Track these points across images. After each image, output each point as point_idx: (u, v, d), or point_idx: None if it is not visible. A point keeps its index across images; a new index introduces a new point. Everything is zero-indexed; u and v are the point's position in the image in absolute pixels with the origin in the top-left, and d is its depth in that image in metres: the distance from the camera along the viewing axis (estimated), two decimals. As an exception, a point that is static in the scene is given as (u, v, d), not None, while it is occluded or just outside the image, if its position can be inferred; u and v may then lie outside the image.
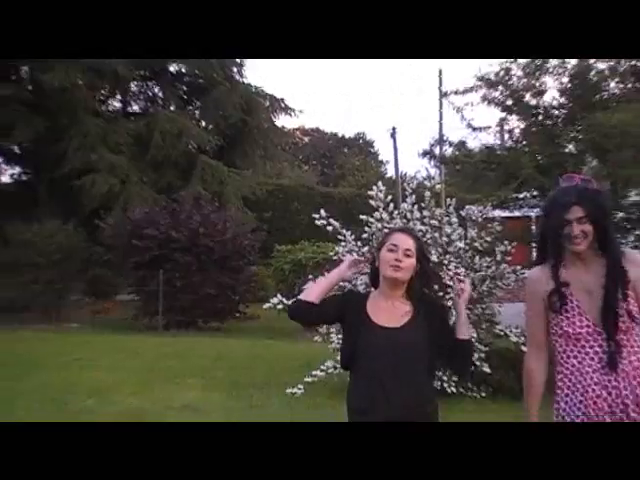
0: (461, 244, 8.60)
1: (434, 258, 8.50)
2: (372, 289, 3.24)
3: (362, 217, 8.71)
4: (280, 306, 8.75)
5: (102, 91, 24.26)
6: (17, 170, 24.95)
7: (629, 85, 8.72)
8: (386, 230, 7.61)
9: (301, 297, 3.10)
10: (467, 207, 8.75)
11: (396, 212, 8.71)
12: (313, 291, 3.12)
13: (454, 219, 8.70)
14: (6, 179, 25.06)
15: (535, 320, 2.99)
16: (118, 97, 25.74)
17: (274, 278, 18.71)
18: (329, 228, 8.73)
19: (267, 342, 14.45)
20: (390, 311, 3.03)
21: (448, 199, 8.92)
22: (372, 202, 8.70)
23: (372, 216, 8.66)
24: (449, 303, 7.96)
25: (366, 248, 8.22)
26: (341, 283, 7.23)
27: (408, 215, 8.69)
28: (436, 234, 8.60)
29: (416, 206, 8.68)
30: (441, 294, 7.82)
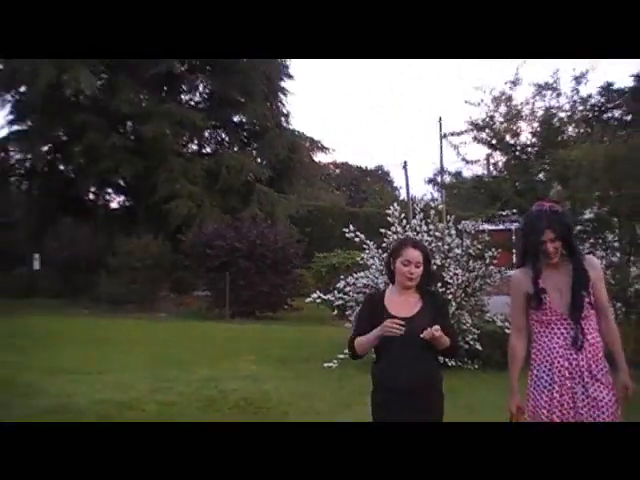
0: (459, 251, 8.57)
1: (437, 262, 8.49)
2: (390, 284, 3.18)
3: (382, 230, 8.71)
4: (318, 300, 8.76)
5: (183, 137, 24.50)
6: (122, 198, 25.48)
7: (582, 130, 8.95)
8: (400, 238, 7.58)
9: (357, 350, 3.02)
10: (463, 222, 8.80)
11: (408, 226, 8.69)
12: (362, 347, 3.02)
13: (453, 231, 8.68)
14: (115, 205, 25.69)
15: (517, 310, 3.02)
16: (195, 141, 25.98)
17: (314, 278, 18.53)
18: (356, 239, 8.81)
19: (309, 327, 14.33)
20: (404, 303, 2.96)
21: (448, 216, 9.01)
22: (389, 219, 8.71)
23: (389, 230, 8.65)
24: (449, 297, 8.09)
25: (384, 255, 8.35)
26: (367, 282, 7.96)
27: (417, 228, 8.67)
28: (439, 243, 8.56)
29: (423, 222, 8.64)
30: (443, 289, 7.96)
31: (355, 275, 8.76)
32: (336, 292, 8.72)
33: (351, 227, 8.55)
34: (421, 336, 2.75)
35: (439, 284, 8.01)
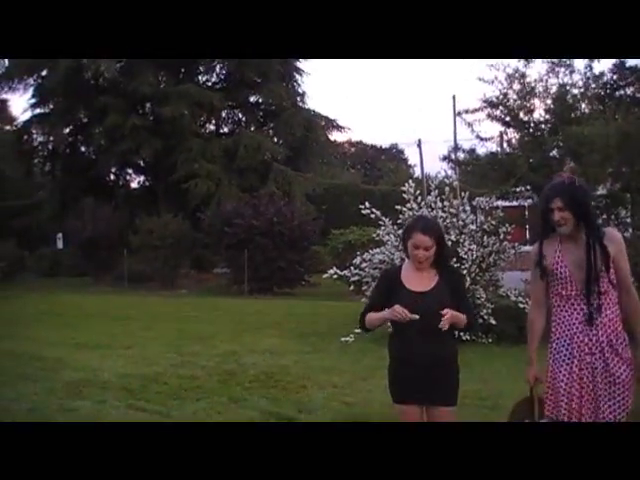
0: (473, 227, 8.50)
1: (452, 238, 8.43)
2: (406, 260, 3.17)
3: (397, 207, 8.68)
4: (335, 276, 8.81)
5: (201, 118, 24.48)
6: (142, 178, 25.56)
7: (595, 107, 8.84)
8: (415, 215, 7.53)
9: (366, 325, 3.03)
10: (477, 198, 8.66)
11: (423, 203, 8.63)
12: (371, 324, 3.02)
13: (467, 208, 8.62)
14: (135, 185, 25.79)
15: (536, 282, 2.96)
16: (213, 122, 25.97)
17: (330, 255, 18.54)
18: (372, 216, 8.77)
19: (326, 303, 14.35)
20: (420, 278, 2.95)
21: (462, 193, 8.90)
22: (404, 196, 8.68)
23: (405, 206, 8.61)
24: (464, 272, 8.05)
25: (400, 231, 8.15)
26: (383, 258, 7.86)
27: (432, 205, 8.60)
28: (454, 219, 8.51)
29: (438, 198, 8.58)
30: (458, 265, 7.92)
31: (371, 251, 8.74)
32: (352, 268, 8.71)
33: (367, 204, 8.52)
34: (439, 326, 2.73)
35: (454, 259, 7.96)
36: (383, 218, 8.72)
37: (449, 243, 8.10)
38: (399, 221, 8.65)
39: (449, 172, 10.71)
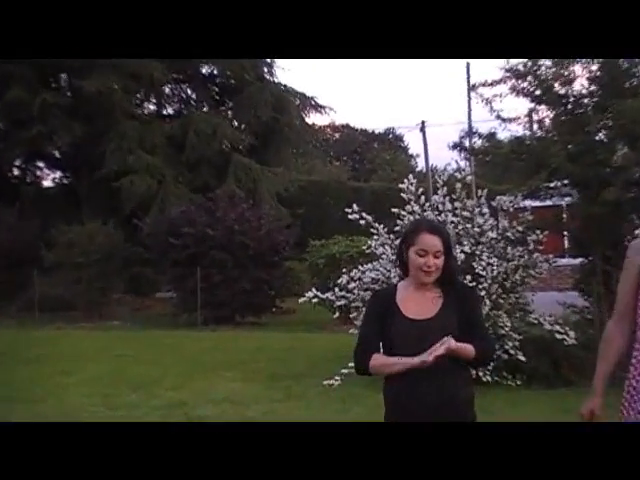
0: (493, 234, 8.52)
1: (466, 249, 8.51)
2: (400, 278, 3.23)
3: (394, 210, 8.69)
4: (315, 300, 8.76)
5: (137, 95, 24.36)
6: (58, 174, 25.26)
7: None
8: (416, 219, 7.52)
9: (372, 369, 3.00)
10: (498, 197, 8.68)
11: (427, 204, 8.67)
12: (383, 370, 3.00)
13: (485, 209, 8.64)
14: (48, 183, 25.44)
15: (623, 285, 2.92)
16: (153, 100, 25.84)
17: (309, 273, 18.53)
18: (362, 222, 8.73)
19: (304, 335, 14.42)
20: (421, 301, 2.97)
21: (479, 190, 8.85)
22: (404, 195, 8.71)
23: (404, 209, 8.63)
24: (482, 293, 8.00)
25: (397, 241, 8.42)
26: (376, 276, 8.07)
27: (440, 207, 8.65)
28: (468, 225, 8.53)
29: (447, 198, 8.62)
30: (474, 284, 7.85)
31: (361, 268, 8.79)
32: (337, 290, 8.78)
33: (355, 207, 8.60)
34: (429, 357, 2.72)
35: (468, 277, 7.95)
36: (376, 225, 8.77)
37: (462, 256, 8.10)
38: (396, 228, 8.70)
39: (461, 164, 10.79)
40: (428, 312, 2.94)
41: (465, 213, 8.56)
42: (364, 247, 9.33)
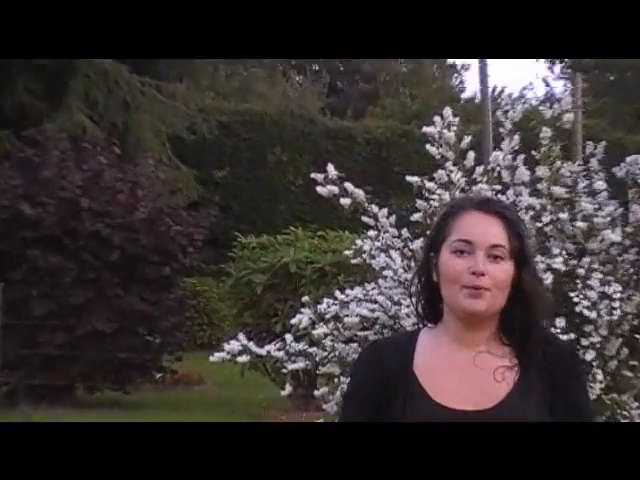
0: (615, 236, 6.24)
1: (557, 264, 6.13)
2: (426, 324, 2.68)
3: (410, 179, 6.50)
4: (244, 357, 6.50)
5: None
6: None
7: None
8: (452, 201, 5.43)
9: None
10: (632, 158, 6.37)
11: (480, 169, 6.41)
12: None
13: (601, 184, 6.32)
14: None
15: None
16: None
17: (233, 301, 14.04)
18: (344, 201, 6.37)
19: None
20: (469, 375, 2.45)
21: (589, 142, 6.63)
22: (431, 149, 6.46)
23: (431, 178, 6.42)
24: (588, 356, 6.01)
25: (417, 243, 6.31)
26: (367, 311, 6.40)
27: (504, 175, 6.41)
28: (563, 215, 6.28)
29: (522, 158, 6.36)
30: (571, 336, 5.91)
31: (340, 295, 6.57)
32: (289, 338, 6.59)
33: (331, 169, 6.29)
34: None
35: (559, 322, 5.94)
36: (372, 208, 6.62)
37: (548, 278, 5.96)
38: (415, 216, 6.62)
39: (556, 86, 8.52)
40: (483, 397, 2.43)
41: (557, 190, 6.27)
42: (348, 252, 7.02)
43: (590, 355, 5.83)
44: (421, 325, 2.69)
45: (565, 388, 2.54)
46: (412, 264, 6.30)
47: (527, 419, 2.43)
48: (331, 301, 6.49)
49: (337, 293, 6.53)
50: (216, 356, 6.30)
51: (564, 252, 6.11)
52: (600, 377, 5.90)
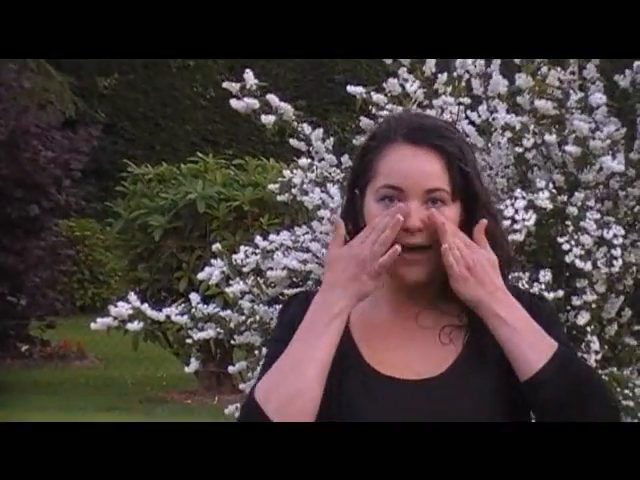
0: (616, 163, 6.22)
1: (543, 200, 6.22)
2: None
3: (353, 90, 6.49)
4: (138, 325, 6.47)
5: None
6: None
7: None
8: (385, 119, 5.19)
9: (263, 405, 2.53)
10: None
11: (444, 77, 6.50)
12: (277, 397, 2.55)
13: (598, 95, 6.38)
14: None
15: None
16: None
17: (124, 250, 14.06)
18: (267, 120, 6.35)
19: (97, 415, 10.99)
20: (411, 336, 2.66)
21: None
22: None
23: (381, 88, 6.52)
24: (579, 319, 6.12)
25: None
26: (296, 263, 6.55)
27: (475, 85, 6.49)
28: (550, 137, 6.33)
29: (497, 63, 6.47)
30: (559, 293, 6.12)
31: (261, 241, 6.71)
32: (195, 299, 6.63)
33: (249, 76, 6.34)
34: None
35: (547, 274, 6.20)
36: (304, 127, 6.73)
37: (528, 219, 6.19)
38: (360, 139, 6.41)
39: None
40: (428, 364, 2.61)
41: (543, 104, 6.31)
42: (272, 187, 7.15)
43: (583, 318, 5.84)
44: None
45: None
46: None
47: (478, 389, 2.50)
48: (250, 250, 6.48)
49: (258, 239, 6.50)
50: (100, 322, 6.18)
51: (551, 185, 6.09)
52: (596, 346, 5.95)
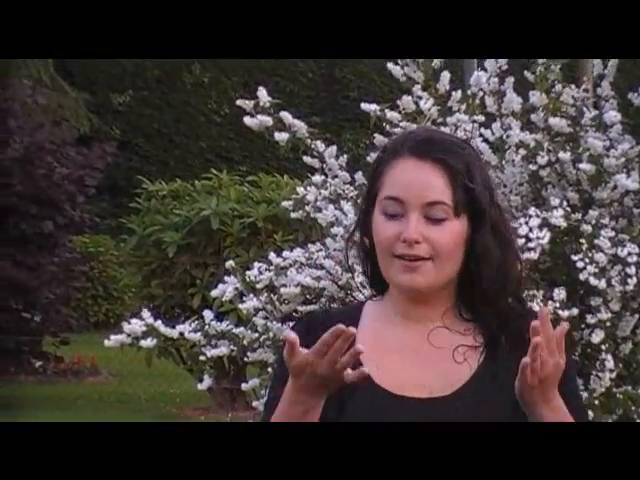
0: (631, 181, 6.22)
1: (557, 218, 6.15)
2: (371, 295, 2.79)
3: (367, 108, 6.49)
4: (151, 341, 6.47)
5: None
6: None
7: None
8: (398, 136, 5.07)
9: None
10: None
11: (458, 95, 6.50)
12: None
13: (613, 113, 6.36)
14: None
15: None
16: None
17: (138, 266, 14.16)
18: (280, 137, 6.32)
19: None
20: (423, 355, 2.63)
21: (598, 60, 6.79)
22: (394, 68, 6.63)
23: (395, 105, 6.46)
24: (594, 338, 6.04)
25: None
26: (309, 279, 6.63)
27: (489, 103, 6.48)
28: (564, 155, 6.29)
29: (511, 81, 6.46)
30: (572, 311, 5.95)
31: (275, 258, 6.67)
32: (208, 316, 6.58)
33: (263, 94, 6.33)
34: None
35: (561, 293, 6.05)
36: (318, 144, 6.67)
37: (542, 238, 6.12)
38: (374, 155, 6.40)
39: None
40: (439, 380, 2.60)
41: (557, 122, 6.31)
42: (286, 204, 7.06)
43: (598, 336, 5.81)
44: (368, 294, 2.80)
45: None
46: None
47: (494, 409, 2.50)
48: (264, 266, 6.48)
49: (272, 256, 6.52)
50: (113, 340, 6.23)
51: (565, 203, 6.06)
52: (610, 365, 5.93)
